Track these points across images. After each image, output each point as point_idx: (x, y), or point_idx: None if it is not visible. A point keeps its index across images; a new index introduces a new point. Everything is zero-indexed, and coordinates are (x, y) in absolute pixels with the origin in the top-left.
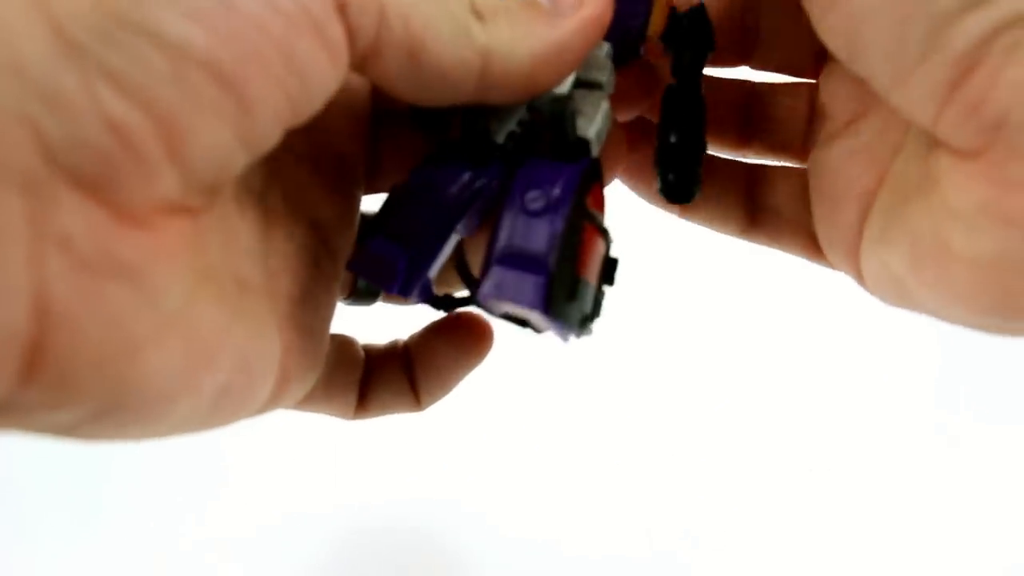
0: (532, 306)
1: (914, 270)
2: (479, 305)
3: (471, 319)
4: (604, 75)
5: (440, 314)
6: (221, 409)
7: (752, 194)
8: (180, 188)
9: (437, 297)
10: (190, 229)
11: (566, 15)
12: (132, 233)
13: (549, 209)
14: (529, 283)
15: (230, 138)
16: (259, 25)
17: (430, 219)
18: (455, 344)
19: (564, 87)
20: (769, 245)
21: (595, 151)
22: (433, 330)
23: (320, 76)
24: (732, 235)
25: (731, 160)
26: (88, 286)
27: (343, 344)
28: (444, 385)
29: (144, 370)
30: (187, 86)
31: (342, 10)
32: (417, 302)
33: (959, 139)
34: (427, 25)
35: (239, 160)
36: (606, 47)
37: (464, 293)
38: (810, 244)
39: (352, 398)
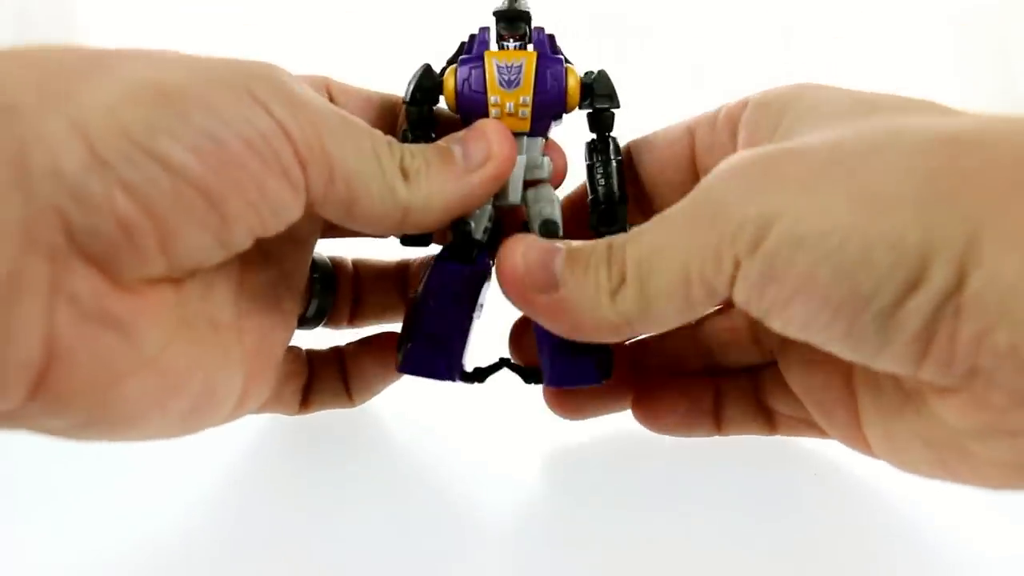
0: (592, 382)
1: (942, 468)
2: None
3: (392, 339)
4: (544, 172)
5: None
6: (189, 423)
7: (762, 404)
8: (165, 271)
9: (469, 373)
10: (172, 292)
11: (474, 171)
12: (124, 296)
13: None
14: (584, 368)
15: (210, 241)
16: (241, 162)
17: (452, 321)
18: (381, 360)
19: (516, 197)
20: (798, 435)
21: (561, 229)
22: (364, 344)
23: (284, 207)
24: (762, 434)
25: (739, 383)
26: (86, 332)
27: (292, 355)
28: (371, 390)
29: (122, 396)
30: (182, 200)
31: (303, 165)
32: (456, 381)
33: (940, 383)
34: (362, 186)
35: (216, 256)
36: (540, 141)
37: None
38: (820, 432)
39: (297, 399)
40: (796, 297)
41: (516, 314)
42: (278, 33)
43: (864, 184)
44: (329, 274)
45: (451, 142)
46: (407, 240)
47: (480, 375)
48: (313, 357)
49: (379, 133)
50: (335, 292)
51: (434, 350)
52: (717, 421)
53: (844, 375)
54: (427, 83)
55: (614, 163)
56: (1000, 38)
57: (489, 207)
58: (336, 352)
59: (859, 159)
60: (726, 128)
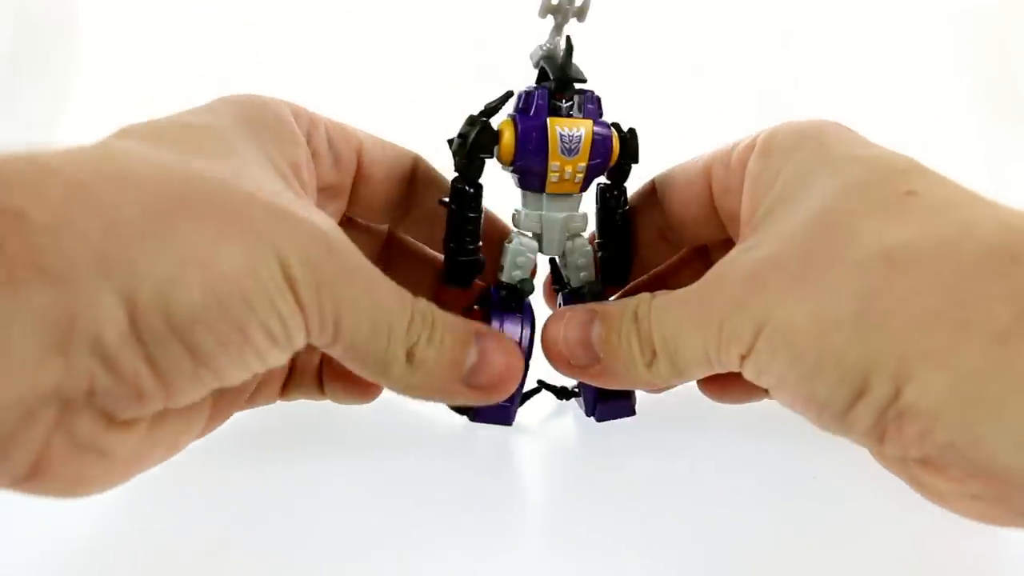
0: (630, 415)
1: (927, 497)
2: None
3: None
4: (582, 225)
5: None
6: (151, 466)
7: None
8: (159, 412)
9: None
10: (156, 418)
11: (470, 389)
12: (115, 430)
13: None
14: (624, 405)
15: (207, 392)
16: (256, 348)
17: None
18: (345, 389)
19: (556, 250)
20: None
21: (599, 284)
22: (326, 369)
23: (278, 364)
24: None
25: None
26: (72, 457)
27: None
28: (337, 400)
29: (90, 490)
30: (196, 376)
31: (309, 339)
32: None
33: (905, 457)
34: (360, 356)
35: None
36: (582, 196)
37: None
38: None
39: (275, 394)
40: (778, 388)
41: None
42: (277, 33)
43: (818, 300)
44: None
45: (476, 339)
46: (449, 282)
47: (523, 398)
48: (296, 363)
49: (407, 304)
50: None
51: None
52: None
53: None
54: (485, 138)
55: (626, 218)
56: (1000, 38)
57: (534, 258)
58: (319, 354)
59: (818, 273)
60: (738, 173)
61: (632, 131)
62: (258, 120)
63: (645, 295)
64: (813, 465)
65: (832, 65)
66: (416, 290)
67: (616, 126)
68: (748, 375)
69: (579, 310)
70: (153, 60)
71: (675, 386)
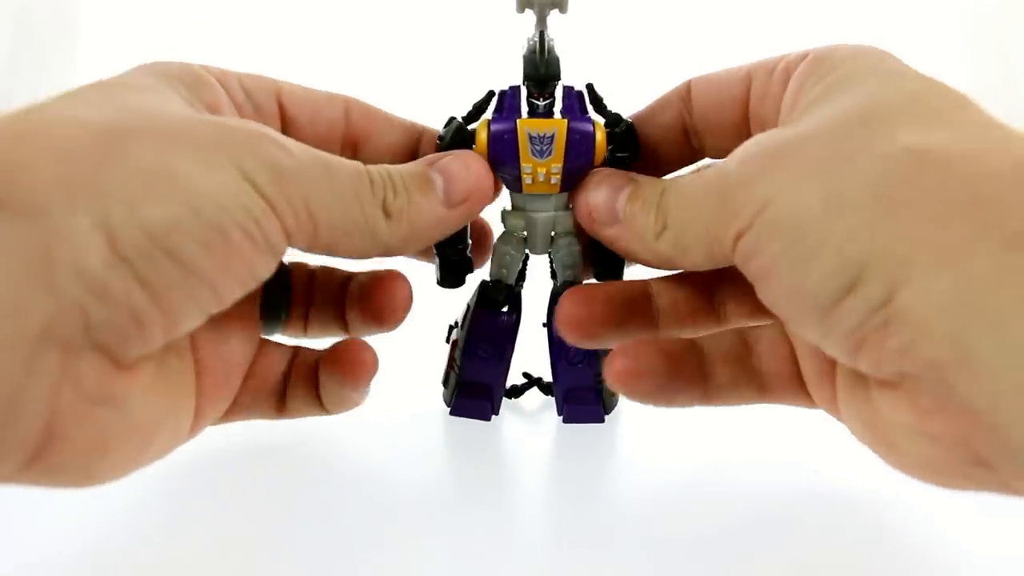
0: (597, 421)
1: (876, 449)
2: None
3: (350, 351)
4: (569, 224)
5: None
6: (154, 457)
7: (753, 366)
8: (162, 346)
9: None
10: (158, 362)
11: (454, 208)
12: (122, 374)
13: (587, 360)
14: (592, 410)
15: (205, 316)
16: (239, 250)
17: (495, 369)
18: (337, 377)
19: (543, 249)
20: (787, 403)
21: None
22: (321, 359)
23: (266, 272)
24: (752, 403)
25: (726, 344)
26: (85, 412)
27: (275, 360)
28: (343, 406)
29: (109, 464)
30: (189, 290)
31: (289, 236)
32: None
33: (875, 375)
34: (344, 234)
35: (203, 322)
36: (565, 196)
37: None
38: (807, 398)
39: (271, 405)
40: (765, 276)
41: (535, 337)
42: (276, 32)
43: (835, 184)
44: (283, 277)
45: (433, 169)
46: (444, 284)
47: (514, 393)
48: (294, 356)
49: (361, 171)
50: (288, 300)
51: (480, 396)
52: (703, 389)
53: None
54: (459, 139)
55: None
56: (1000, 38)
57: (521, 256)
58: (312, 360)
59: (840, 160)
60: (781, 79)
61: (627, 124)
62: (171, 75)
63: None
64: (815, 459)
65: None
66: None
67: (615, 118)
68: (739, 258)
69: (616, 175)
70: (152, 60)
71: (676, 268)
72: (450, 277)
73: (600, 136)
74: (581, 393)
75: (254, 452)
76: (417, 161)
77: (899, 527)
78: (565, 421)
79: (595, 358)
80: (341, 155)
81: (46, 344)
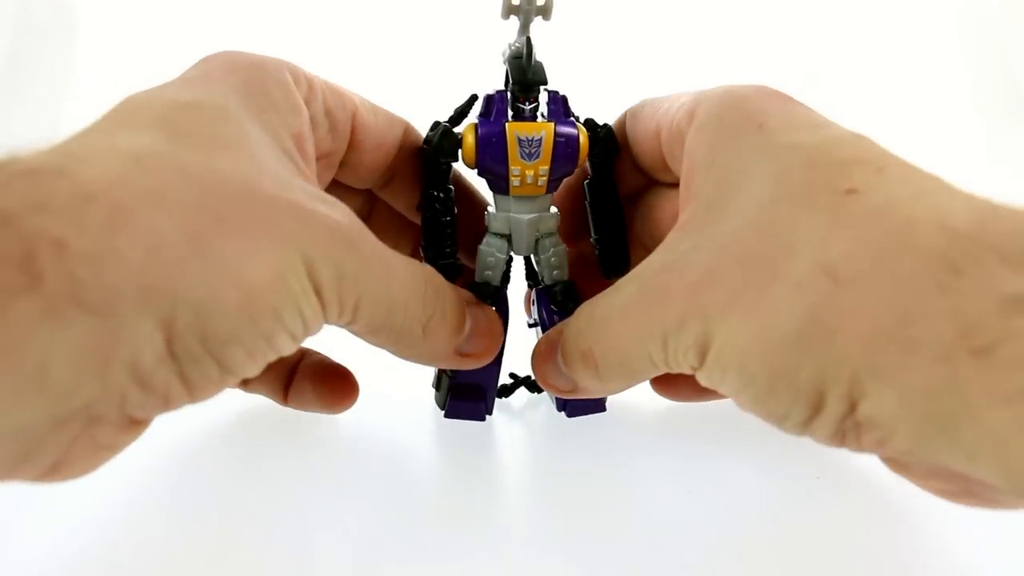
0: (600, 411)
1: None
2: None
3: (340, 378)
4: (552, 224)
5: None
6: None
7: None
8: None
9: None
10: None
11: (460, 356)
12: (132, 430)
13: None
14: (595, 401)
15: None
16: (278, 349)
17: (488, 371)
18: (319, 393)
19: (527, 250)
20: None
21: (570, 278)
22: (313, 367)
23: (289, 352)
24: None
25: None
26: (90, 455)
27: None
28: (304, 408)
29: (86, 474)
30: (222, 383)
31: (327, 317)
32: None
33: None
34: (377, 329)
35: None
36: (550, 196)
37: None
38: None
39: (280, 390)
40: (737, 400)
41: (522, 336)
42: (278, 32)
43: (762, 320)
44: None
45: (470, 313)
46: None
47: (504, 392)
48: (304, 359)
49: (420, 284)
50: None
51: (474, 398)
52: None
53: None
54: (447, 144)
55: (618, 209)
56: (1000, 38)
57: (505, 258)
58: (295, 354)
59: (759, 291)
60: (678, 140)
61: (606, 126)
62: (260, 92)
63: (584, 306)
64: (816, 464)
65: (832, 64)
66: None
67: (591, 122)
68: (705, 385)
69: (543, 340)
70: (152, 60)
71: (643, 381)
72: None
73: (583, 139)
74: None
75: (247, 451)
76: (460, 292)
77: (903, 535)
78: (569, 415)
79: None
80: (383, 178)
81: (80, 415)
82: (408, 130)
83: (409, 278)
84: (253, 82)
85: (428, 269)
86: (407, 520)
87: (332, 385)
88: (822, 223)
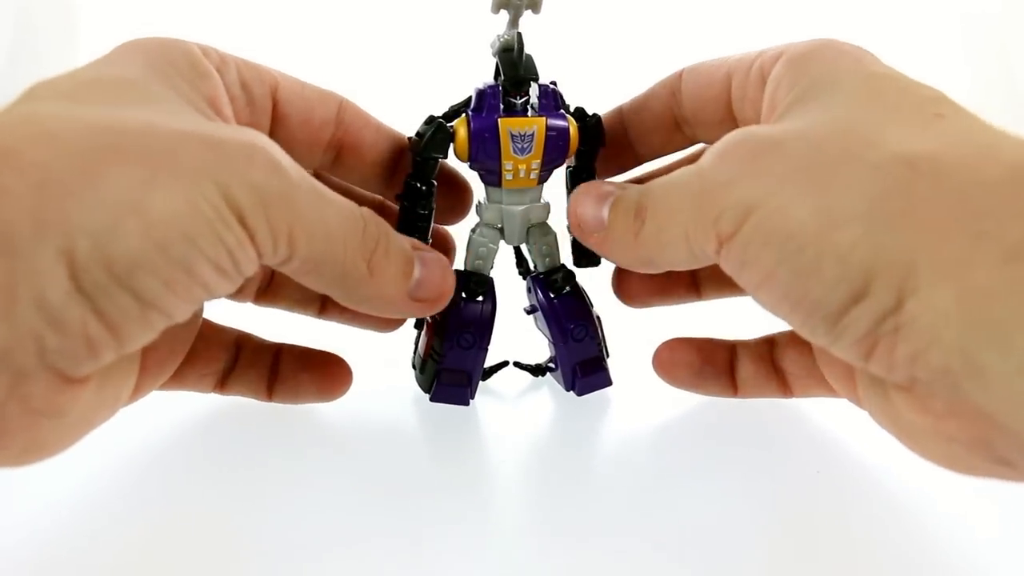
0: (608, 385)
1: (899, 439)
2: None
3: (335, 365)
4: (544, 214)
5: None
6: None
7: (777, 366)
8: (112, 363)
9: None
10: (102, 372)
11: (413, 302)
12: (68, 388)
13: (588, 334)
14: (602, 376)
15: (157, 334)
16: (204, 283)
17: (474, 356)
18: (319, 383)
19: (520, 239)
20: (811, 395)
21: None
22: (302, 358)
23: (227, 293)
24: (778, 397)
25: (754, 346)
26: (29, 422)
27: (214, 339)
28: (296, 401)
29: (41, 455)
30: (145, 320)
31: (260, 259)
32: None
33: (889, 379)
34: (318, 267)
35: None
36: (541, 188)
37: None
38: (831, 390)
39: (212, 382)
40: (763, 285)
41: (515, 321)
42: (277, 31)
43: (827, 195)
44: None
45: (418, 258)
46: None
47: (486, 374)
48: (244, 344)
49: (357, 215)
50: None
51: (459, 383)
52: (733, 382)
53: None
54: (440, 136)
55: None
56: (1001, 38)
57: (497, 248)
58: (274, 349)
59: (829, 168)
60: (757, 81)
61: (596, 116)
62: (168, 62)
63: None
64: (816, 459)
65: None
66: None
67: (580, 112)
68: (728, 266)
69: (600, 185)
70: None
71: (661, 270)
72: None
73: (573, 131)
74: (589, 364)
75: (229, 438)
76: (407, 239)
77: (902, 531)
78: (579, 394)
79: (595, 330)
80: (324, 156)
81: None
82: (344, 105)
83: (346, 210)
84: (158, 56)
85: (366, 208)
86: (396, 506)
87: (326, 371)
88: (909, 130)
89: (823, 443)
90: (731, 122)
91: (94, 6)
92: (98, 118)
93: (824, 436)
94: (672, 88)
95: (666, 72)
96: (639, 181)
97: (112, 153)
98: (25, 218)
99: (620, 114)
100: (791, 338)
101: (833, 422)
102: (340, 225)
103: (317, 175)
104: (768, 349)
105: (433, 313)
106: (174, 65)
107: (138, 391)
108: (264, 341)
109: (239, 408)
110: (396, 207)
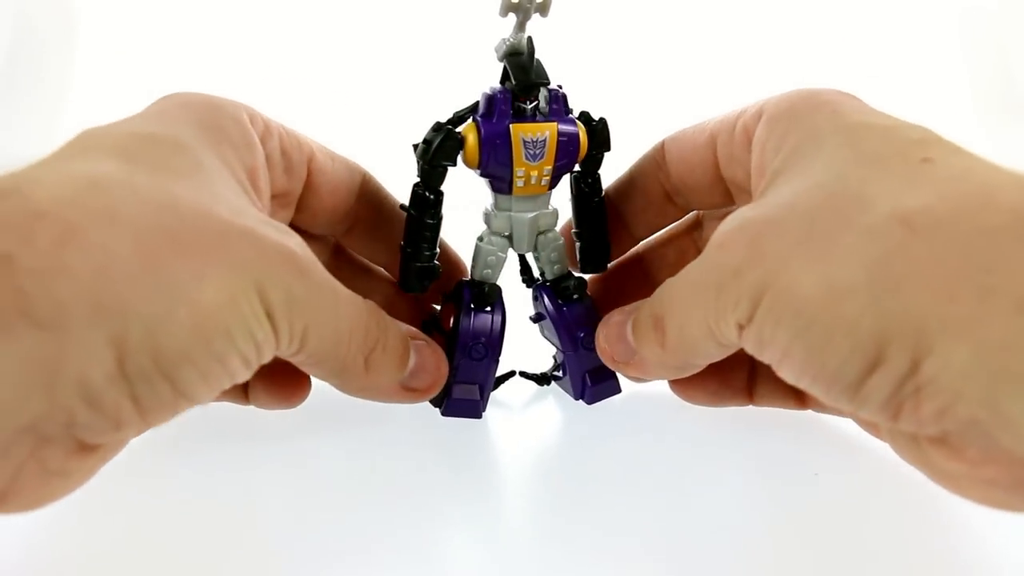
0: (617, 392)
1: (937, 483)
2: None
3: (290, 373)
4: (552, 221)
5: None
6: None
7: (799, 391)
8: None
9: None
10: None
11: (404, 391)
12: (83, 456)
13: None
14: (613, 384)
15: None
16: (232, 375)
17: (486, 368)
18: (270, 394)
19: (527, 247)
20: (826, 412)
21: (572, 270)
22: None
23: (243, 379)
24: (795, 409)
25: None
26: (40, 481)
27: None
28: (264, 407)
29: (42, 506)
30: (175, 407)
31: (277, 351)
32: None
33: (921, 434)
34: (321, 360)
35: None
36: (550, 194)
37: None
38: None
39: (240, 397)
40: (783, 362)
41: (517, 330)
42: (276, 34)
43: (827, 267)
44: None
45: (414, 347)
46: (407, 288)
47: (496, 384)
48: None
49: (363, 316)
50: None
51: (471, 396)
52: (750, 394)
53: None
54: (449, 143)
55: (601, 205)
56: (1000, 38)
57: (506, 256)
58: None
59: (825, 238)
60: (742, 142)
61: (602, 120)
62: (216, 126)
63: (666, 281)
64: (815, 462)
65: (831, 64)
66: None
67: (586, 116)
68: (750, 348)
69: (610, 317)
70: (151, 61)
71: (700, 365)
72: (414, 282)
73: (583, 136)
74: (598, 373)
75: (234, 448)
76: (405, 327)
77: (903, 532)
78: (589, 402)
79: None
80: (342, 224)
81: (26, 435)
82: (366, 178)
83: (354, 309)
84: (209, 118)
85: (371, 303)
86: (406, 516)
87: (280, 380)
88: (899, 183)
89: (830, 447)
90: (721, 183)
91: (94, 8)
92: (158, 196)
93: (832, 440)
94: (656, 161)
95: (667, 79)
96: (639, 257)
97: (169, 241)
98: (83, 300)
99: (608, 199)
100: None
101: (840, 424)
102: (348, 325)
103: (337, 245)
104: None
105: (423, 401)
106: (224, 131)
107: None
108: None
109: (240, 414)
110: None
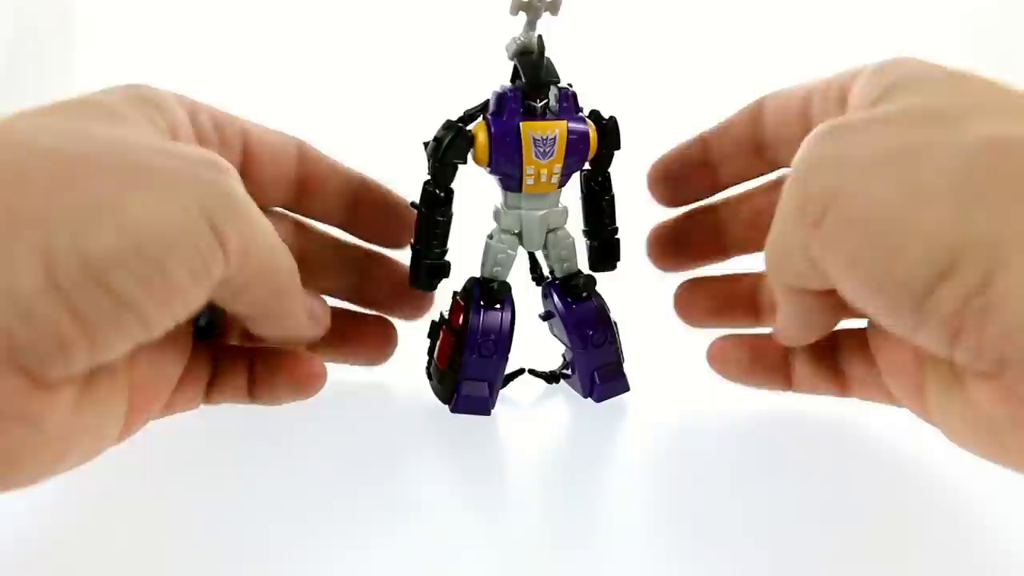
0: (626, 391)
1: (979, 448)
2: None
3: (307, 363)
4: (562, 219)
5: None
6: (74, 465)
7: (838, 366)
8: (85, 370)
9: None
10: (84, 380)
11: (316, 328)
12: (40, 393)
13: (607, 340)
14: (620, 383)
15: (132, 345)
16: (179, 287)
17: (496, 365)
18: (294, 385)
19: (538, 244)
20: (870, 399)
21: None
22: (276, 360)
23: (199, 304)
24: (832, 395)
25: (818, 354)
26: (2, 431)
27: (194, 360)
28: (275, 402)
29: (19, 476)
30: (119, 321)
31: (226, 267)
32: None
33: (975, 367)
34: (267, 288)
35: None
36: (560, 192)
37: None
38: (892, 397)
39: (198, 399)
40: (847, 270)
41: (526, 328)
42: (273, 34)
43: (912, 175)
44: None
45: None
46: (417, 285)
47: (505, 381)
48: (220, 355)
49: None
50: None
51: (480, 393)
52: (787, 376)
53: (915, 353)
54: (460, 141)
55: (612, 203)
56: (1000, 38)
57: (515, 254)
58: (249, 353)
59: (914, 150)
60: (838, 96)
61: (612, 119)
62: (138, 96)
63: None
64: (823, 466)
65: (832, 64)
66: (330, 274)
67: (596, 114)
68: (816, 251)
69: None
70: (151, 61)
71: (816, 286)
72: (425, 279)
73: (593, 134)
74: (607, 371)
75: (240, 444)
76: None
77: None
78: (598, 400)
79: (614, 335)
80: (288, 192)
81: None
82: (302, 146)
83: (271, 227)
84: (133, 92)
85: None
86: (413, 514)
87: (299, 371)
88: (995, 117)
89: (845, 451)
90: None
91: (93, 7)
92: (73, 132)
93: (847, 444)
94: (753, 114)
95: (677, 78)
96: (712, 208)
97: (87, 160)
98: (0, 211)
99: (702, 140)
100: (858, 344)
101: (840, 428)
102: (279, 241)
103: (297, 227)
104: (830, 351)
105: (320, 336)
106: (146, 99)
107: (129, 427)
108: (239, 347)
109: (240, 416)
110: (352, 244)
